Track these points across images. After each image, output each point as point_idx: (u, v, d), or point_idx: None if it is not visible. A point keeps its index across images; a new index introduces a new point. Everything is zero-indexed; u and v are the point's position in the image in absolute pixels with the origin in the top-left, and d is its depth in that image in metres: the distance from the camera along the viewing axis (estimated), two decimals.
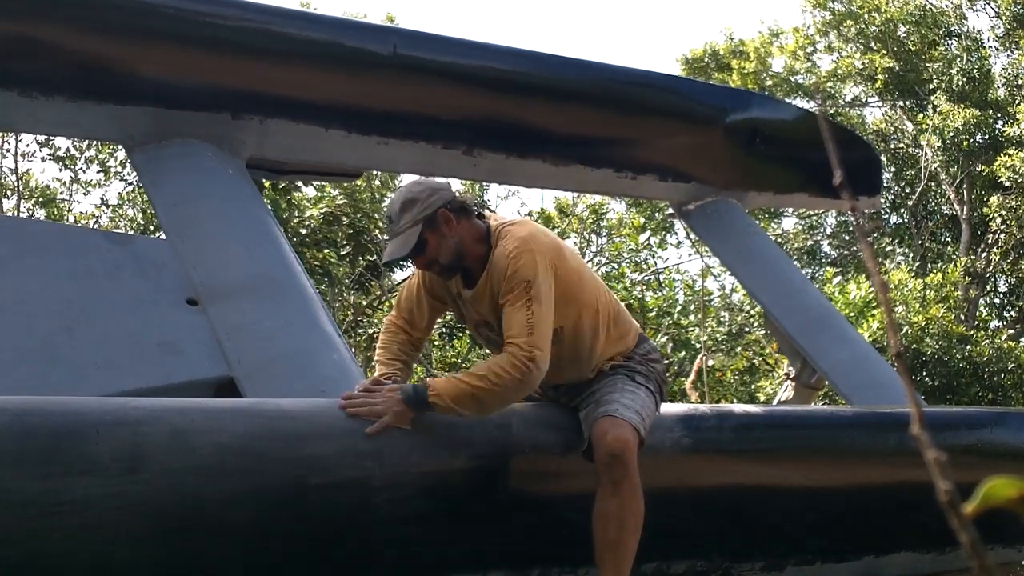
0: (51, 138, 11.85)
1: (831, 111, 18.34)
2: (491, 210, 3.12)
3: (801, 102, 18.46)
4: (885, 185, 17.33)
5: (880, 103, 18.72)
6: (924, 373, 10.93)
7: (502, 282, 2.68)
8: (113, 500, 2.33)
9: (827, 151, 0.64)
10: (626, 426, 2.71)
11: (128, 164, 11.61)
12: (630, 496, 2.68)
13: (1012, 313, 17.18)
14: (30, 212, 12.44)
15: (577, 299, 2.80)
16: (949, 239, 17.52)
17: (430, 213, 2.73)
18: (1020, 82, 16.33)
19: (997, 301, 17.63)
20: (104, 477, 2.32)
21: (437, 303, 3.01)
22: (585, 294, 2.84)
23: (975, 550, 0.52)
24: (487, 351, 2.92)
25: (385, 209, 2.92)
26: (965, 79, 15.93)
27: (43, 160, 12.28)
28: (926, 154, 16.47)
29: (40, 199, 12.53)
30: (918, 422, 0.54)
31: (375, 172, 10.49)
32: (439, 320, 4.29)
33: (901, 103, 17.90)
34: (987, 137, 15.51)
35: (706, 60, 19.49)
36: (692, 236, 15.77)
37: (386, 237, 2.80)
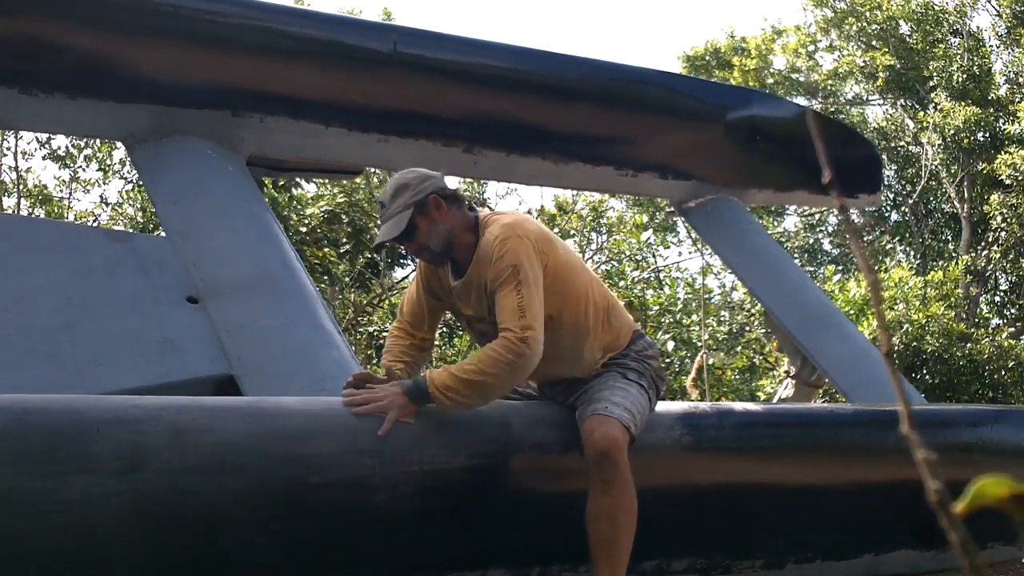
0: (50, 138, 11.86)
1: (832, 109, 18.33)
2: (490, 208, 3.11)
3: (803, 100, 18.46)
4: (886, 183, 17.32)
5: (881, 101, 18.71)
6: (924, 371, 10.92)
7: (488, 268, 2.69)
8: (113, 499, 2.33)
9: (825, 148, 0.64)
10: (614, 423, 2.70)
11: (128, 162, 11.61)
12: (622, 493, 2.67)
13: (1013, 311, 17.16)
14: (30, 210, 12.44)
15: (566, 290, 2.80)
16: (950, 237, 17.51)
17: (421, 198, 2.75)
18: (1021, 80, 16.32)
19: (998, 299, 17.61)
20: (104, 476, 2.32)
21: (435, 301, 3.02)
22: (575, 286, 2.83)
23: (965, 550, 0.52)
24: (478, 344, 2.92)
25: (379, 195, 2.94)
26: (966, 77, 15.91)
27: (44, 159, 12.28)
28: (927, 152, 16.46)
29: (40, 197, 12.53)
30: (907, 421, 0.54)
31: (375, 170, 10.48)
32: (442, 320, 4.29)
33: (902, 101, 17.88)
34: (988, 135, 15.49)
35: (707, 58, 19.48)
36: (693, 234, 15.76)
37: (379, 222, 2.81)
